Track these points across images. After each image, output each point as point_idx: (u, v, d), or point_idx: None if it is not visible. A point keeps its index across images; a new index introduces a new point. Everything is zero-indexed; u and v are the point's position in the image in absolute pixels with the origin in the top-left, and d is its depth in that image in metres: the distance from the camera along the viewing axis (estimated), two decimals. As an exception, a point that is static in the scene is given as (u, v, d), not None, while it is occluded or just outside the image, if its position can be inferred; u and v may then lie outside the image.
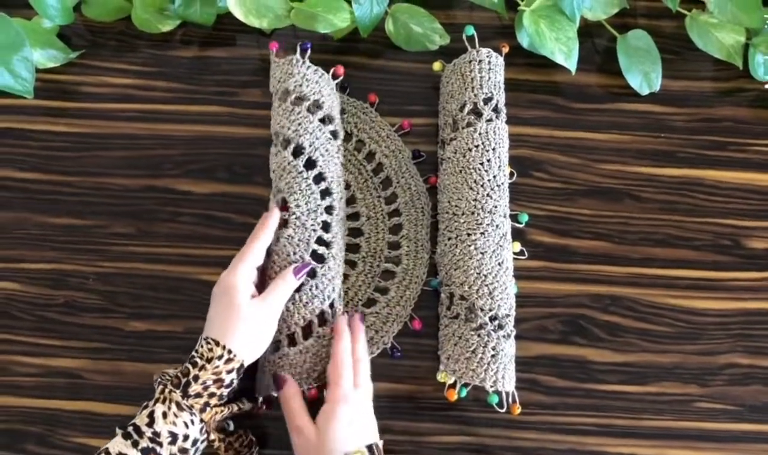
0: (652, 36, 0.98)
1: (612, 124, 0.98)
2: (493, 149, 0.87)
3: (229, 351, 0.75)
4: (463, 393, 0.86)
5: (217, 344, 0.75)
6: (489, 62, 0.90)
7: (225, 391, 0.75)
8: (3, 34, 0.91)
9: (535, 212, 0.95)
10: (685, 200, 0.96)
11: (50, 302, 0.92)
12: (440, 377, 0.87)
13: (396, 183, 0.96)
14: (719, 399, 0.90)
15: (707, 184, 0.96)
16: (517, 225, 0.93)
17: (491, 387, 0.83)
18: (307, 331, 0.84)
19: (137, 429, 0.71)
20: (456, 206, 0.88)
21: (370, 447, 0.75)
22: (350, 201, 0.95)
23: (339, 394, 0.77)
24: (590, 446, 0.88)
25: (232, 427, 0.82)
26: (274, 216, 0.84)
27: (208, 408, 0.74)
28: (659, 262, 0.93)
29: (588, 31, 1.00)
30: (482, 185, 0.86)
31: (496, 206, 0.86)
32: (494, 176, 0.87)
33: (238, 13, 0.94)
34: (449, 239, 0.88)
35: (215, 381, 0.74)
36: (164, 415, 0.72)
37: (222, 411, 0.76)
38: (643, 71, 0.97)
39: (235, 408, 0.79)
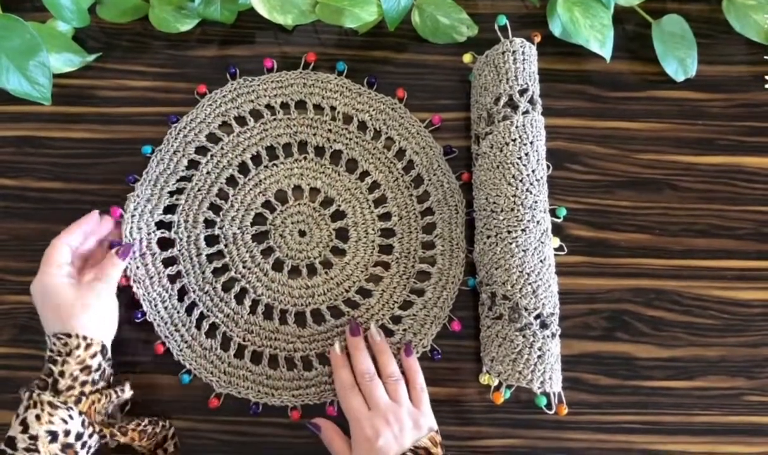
0: (686, 19, 0.98)
1: (648, 112, 0.99)
2: (531, 143, 0.87)
3: (84, 338, 0.78)
4: (507, 395, 0.87)
5: (69, 335, 0.78)
6: (523, 52, 0.90)
7: (96, 375, 0.79)
8: (18, 39, 0.90)
9: (573, 205, 0.96)
10: (726, 188, 0.97)
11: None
12: (484, 379, 0.89)
13: (428, 181, 0.96)
14: (768, 391, 0.92)
15: (747, 171, 0.97)
16: (555, 220, 0.94)
17: (539, 388, 0.84)
18: None
19: (11, 442, 0.73)
20: (494, 202, 0.88)
21: (414, 449, 0.78)
22: (381, 201, 0.96)
23: (364, 443, 0.79)
24: (639, 445, 0.90)
25: (127, 393, 0.84)
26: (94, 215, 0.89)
27: (84, 398, 0.77)
28: (702, 253, 0.95)
29: (620, 17, 1.01)
30: (521, 180, 0.87)
31: (536, 202, 0.87)
32: (533, 171, 0.87)
33: (262, 10, 0.93)
34: (488, 237, 0.89)
35: (83, 369, 0.77)
36: (38, 418, 0.74)
37: (100, 400, 0.79)
38: (678, 57, 0.98)
39: (114, 395, 0.81)
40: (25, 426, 0.73)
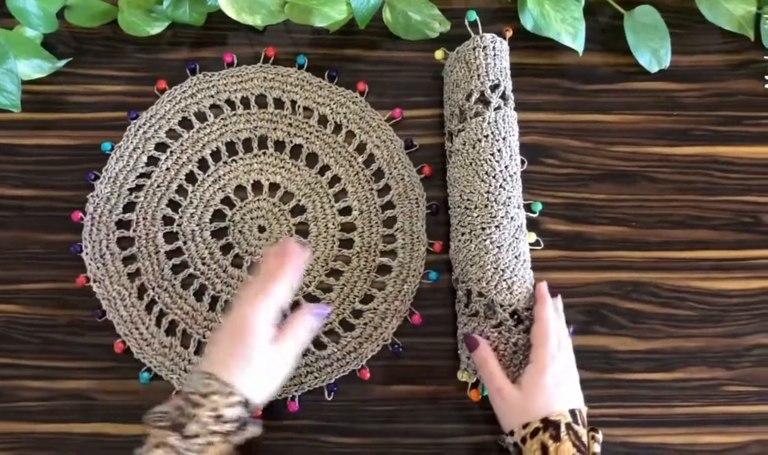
0: (658, 10, 0.98)
1: (622, 104, 0.99)
2: (504, 138, 0.87)
3: (226, 385, 0.70)
4: (485, 392, 0.87)
5: (216, 379, 0.70)
6: (494, 48, 0.90)
7: (230, 426, 0.70)
8: (-15, 47, 0.90)
9: (549, 200, 0.96)
10: (702, 178, 0.96)
11: (54, 323, 0.92)
12: (461, 376, 0.88)
13: (389, 175, 0.96)
14: (747, 382, 0.90)
15: (723, 161, 0.97)
16: (531, 215, 0.94)
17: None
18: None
19: None
20: (468, 199, 0.88)
21: (572, 412, 0.76)
22: (341, 195, 0.96)
23: (546, 355, 0.78)
24: (618, 437, 0.89)
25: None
26: (305, 252, 0.80)
27: (211, 448, 0.69)
28: (679, 244, 0.94)
29: (592, 9, 1.01)
30: (494, 177, 0.86)
31: (510, 197, 0.86)
32: (506, 166, 0.87)
33: (230, 12, 0.93)
34: (462, 234, 0.88)
35: (215, 418, 0.69)
36: None
37: (223, 447, 0.71)
38: (651, 48, 0.98)
39: (237, 439, 0.72)
40: None
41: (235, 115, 0.98)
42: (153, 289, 0.92)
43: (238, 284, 0.92)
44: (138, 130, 0.97)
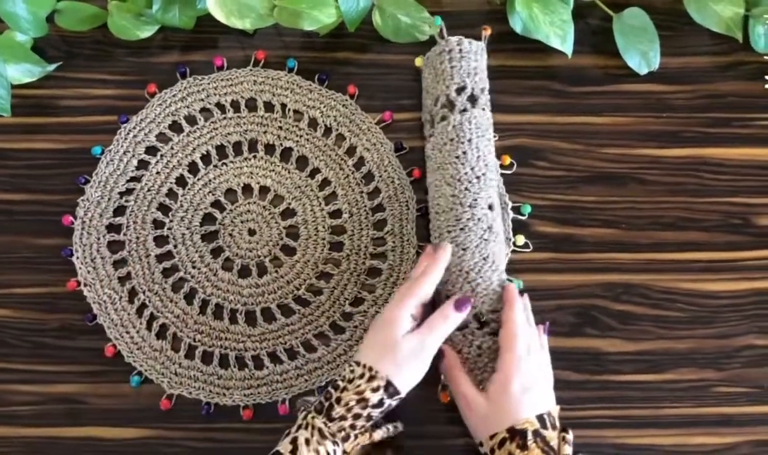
0: (647, 12, 0.99)
1: (612, 106, 0.99)
2: (469, 140, 0.87)
3: (371, 369, 0.75)
4: None
5: (358, 364, 0.76)
6: (460, 50, 0.90)
7: (372, 411, 0.74)
8: (-26, 51, 0.91)
9: (539, 202, 0.96)
10: (692, 180, 0.97)
11: (44, 327, 0.92)
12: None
13: (378, 177, 0.96)
14: (737, 383, 0.91)
15: (713, 162, 0.97)
16: (520, 217, 0.94)
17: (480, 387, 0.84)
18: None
19: None
20: (437, 204, 0.88)
21: (540, 417, 0.76)
22: (331, 198, 0.96)
23: (513, 361, 0.77)
24: (609, 439, 0.89)
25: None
26: (447, 251, 0.83)
27: (352, 437, 0.74)
28: (669, 246, 0.95)
29: (581, 11, 1.01)
30: (459, 179, 0.86)
31: (476, 199, 0.86)
32: (472, 168, 0.86)
33: (219, 15, 0.94)
34: (434, 238, 0.89)
35: (358, 401, 0.73)
36: (307, 442, 0.72)
37: (365, 437, 0.76)
38: (640, 50, 0.98)
39: (379, 435, 0.78)
40: (294, 446, 0.71)
41: (225, 118, 0.98)
42: (143, 293, 0.92)
43: (227, 287, 0.93)
44: (128, 134, 0.97)
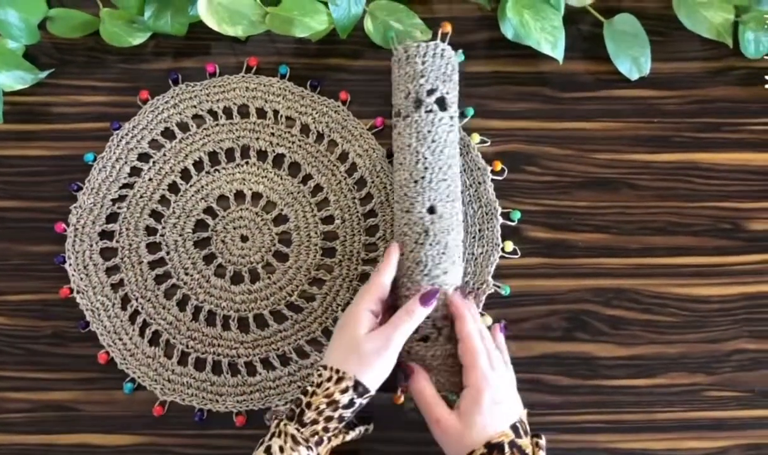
0: (638, 18, 0.99)
1: (603, 112, 1.00)
2: (408, 145, 0.87)
3: (338, 371, 0.75)
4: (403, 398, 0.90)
5: (325, 367, 0.76)
6: (407, 57, 0.89)
7: (344, 412, 0.75)
8: (-34, 59, 0.91)
9: (530, 207, 0.96)
10: (683, 185, 0.97)
11: (38, 334, 0.93)
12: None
13: (371, 183, 0.97)
14: (728, 387, 0.92)
15: (703, 167, 0.98)
16: (510, 223, 0.95)
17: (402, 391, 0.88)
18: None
19: None
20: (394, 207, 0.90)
21: (514, 426, 0.75)
22: (324, 204, 0.97)
23: (479, 377, 0.76)
24: (601, 444, 0.90)
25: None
26: (394, 248, 0.85)
27: (325, 440, 0.75)
28: (660, 251, 0.95)
29: (572, 17, 1.01)
30: (400, 185, 0.87)
31: (412, 204, 0.86)
32: (410, 173, 0.86)
33: (211, 22, 0.94)
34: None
35: (329, 404, 0.74)
36: (281, 449, 0.73)
37: (338, 439, 0.77)
38: (631, 56, 0.99)
39: (352, 436, 0.79)
40: (269, 454, 0.73)
41: (217, 125, 0.98)
42: (136, 299, 0.93)
43: (220, 293, 0.93)
44: (120, 140, 0.97)
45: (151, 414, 0.90)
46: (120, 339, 0.91)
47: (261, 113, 0.99)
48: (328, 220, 0.96)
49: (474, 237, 0.94)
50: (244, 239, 0.95)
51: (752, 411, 0.91)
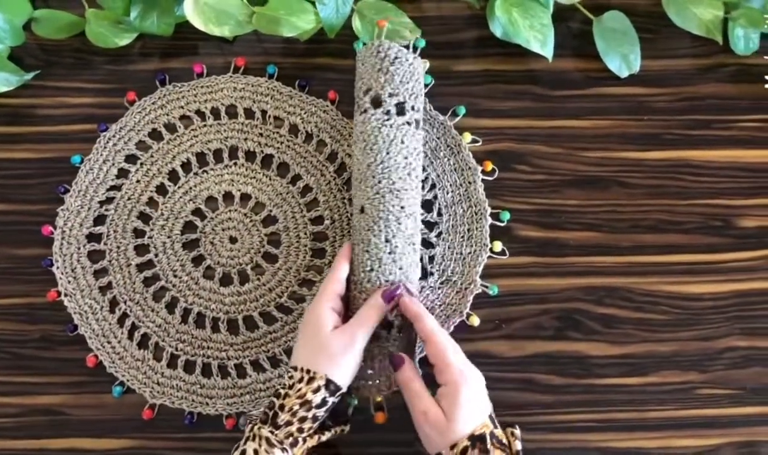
0: (627, 15, 1.00)
1: (593, 110, 1.00)
2: (350, 145, 0.89)
3: (308, 371, 0.76)
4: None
5: (296, 369, 0.77)
6: (362, 56, 0.89)
7: (317, 412, 0.76)
8: (-50, 61, 0.91)
9: (521, 206, 0.97)
10: (673, 183, 0.98)
11: (25, 338, 0.92)
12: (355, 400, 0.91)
13: None
14: (720, 384, 0.92)
15: (694, 164, 0.98)
16: (499, 224, 0.96)
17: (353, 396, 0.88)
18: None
19: None
20: None
21: (490, 417, 0.77)
22: (313, 205, 0.97)
23: (456, 371, 0.76)
24: (594, 443, 0.90)
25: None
26: (345, 246, 0.85)
27: (300, 441, 0.75)
28: (651, 249, 0.96)
29: (561, 14, 1.02)
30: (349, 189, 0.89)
31: (351, 203, 0.87)
32: (354, 176, 0.87)
33: (197, 23, 0.94)
34: None
35: (302, 404, 0.75)
36: (255, 453, 0.73)
37: (314, 439, 0.77)
38: (621, 53, 0.99)
39: (326, 435, 0.80)
40: None
41: (205, 125, 0.98)
42: (125, 302, 0.93)
43: (209, 295, 0.93)
44: (108, 142, 0.97)
45: (140, 417, 0.89)
46: (109, 342, 0.91)
47: (249, 114, 0.99)
48: (318, 221, 0.96)
49: (463, 237, 0.94)
50: (233, 240, 0.95)
51: (744, 408, 0.91)
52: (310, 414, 0.75)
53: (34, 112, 1.00)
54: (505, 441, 0.76)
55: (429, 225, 0.95)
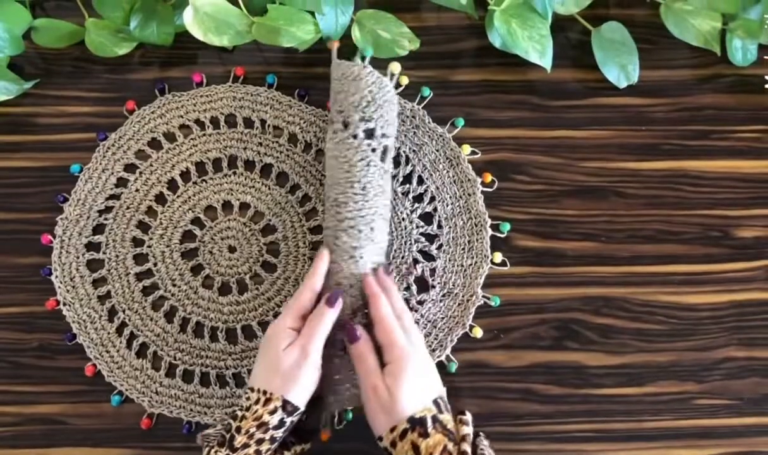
0: (626, 26, 1.01)
1: (592, 120, 1.01)
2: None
3: (264, 392, 0.76)
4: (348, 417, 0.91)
5: (253, 390, 0.77)
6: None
7: (275, 433, 0.76)
8: (-51, 70, 0.91)
9: (519, 216, 0.97)
10: (671, 193, 0.99)
11: (24, 347, 0.93)
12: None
13: None
14: (718, 395, 0.93)
15: (692, 175, 0.99)
16: (499, 235, 0.96)
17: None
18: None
19: None
20: None
21: (435, 402, 0.76)
22: (312, 214, 0.97)
23: (401, 353, 0.77)
24: (591, 453, 0.91)
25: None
26: (323, 259, 0.84)
27: None
28: (649, 259, 0.96)
29: (560, 25, 1.03)
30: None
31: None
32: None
33: (197, 33, 0.95)
34: None
35: (259, 426, 0.75)
36: None
37: None
38: (619, 64, 1.00)
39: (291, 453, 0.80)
40: None
41: (204, 135, 0.99)
42: (123, 311, 0.93)
43: (208, 305, 0.94)
44: (107, 151, 0.98)
45: (138, 426, 0.90)
46: (107, 351, 0.92)
47: (248, 123, 1.00)
48: (317, 230, 0.96)
49: (463, 249, 0.95)
50: (231, 249, 0.96)
51: (741, 419, 0.92)
52: (267, 436, 0.75)
53: (34, 121, 1.00)
54: (451, 426, 0.76)
55: (430, 237, 0.96)
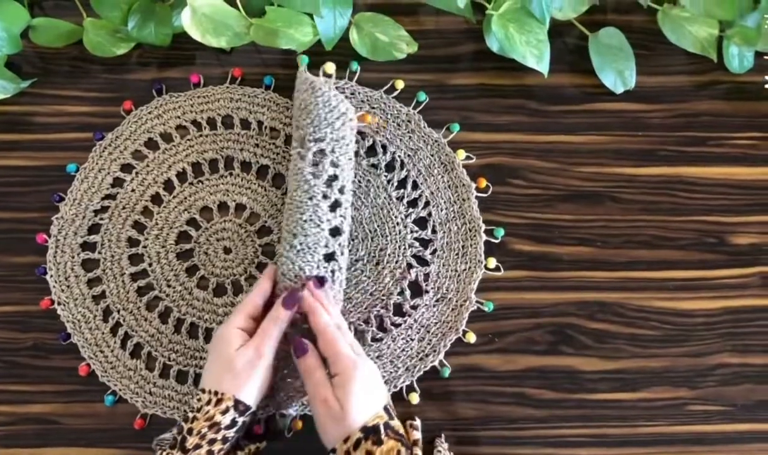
0: (623, 32, 1.01)
1: (588, 125, 1.01)
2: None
3: (216, 393, 0.76)
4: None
5: (204, 391, 0.77)
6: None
7: (227, 433, 0.76)
8: (-54, 68, 0.91)
9: (515, 220, 0.98)
10: (667, 199, 0.99)
11: (18, 346, 0.93)
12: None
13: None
14: (711, 401, 0.93)
15: (688, 181, 1.00)
16: (493, 240, 0.97)
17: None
18: None
19: None
20: None
21: (385, 408, 0.77)
22: None
23: (348, 364, 0.77)
24: (585, 458, 0.91)
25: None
26: (269, 268, 0.87)
27: None
28: (643, 264, 0.97)
29: (558, 30, 1.03)
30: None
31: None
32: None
33: (195, 34, 0.95)
34: None
35: (210, 426, 0.75)
36: None
37: None
38: (616, 69, 1.01)
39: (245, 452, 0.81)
40: None
41: (201, 135, 0.99)
42: (118, 311, 0.93)
43: (202, 306, 0.94)
44: (103, 151, 0.98)
45: (132, 427, 0.90)
46: (101, 351, 0.92)
47: (245, 124, 1.00)
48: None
49: (457, 254, 0.95)
50: (227, 250, 0.96)
51: (735, 425, 0.92)
52: (219, 436, 0.75)
53: (31, 120, 1.01)
54: (402, 431, 0.76)
55: (424, 243, 0.96)
